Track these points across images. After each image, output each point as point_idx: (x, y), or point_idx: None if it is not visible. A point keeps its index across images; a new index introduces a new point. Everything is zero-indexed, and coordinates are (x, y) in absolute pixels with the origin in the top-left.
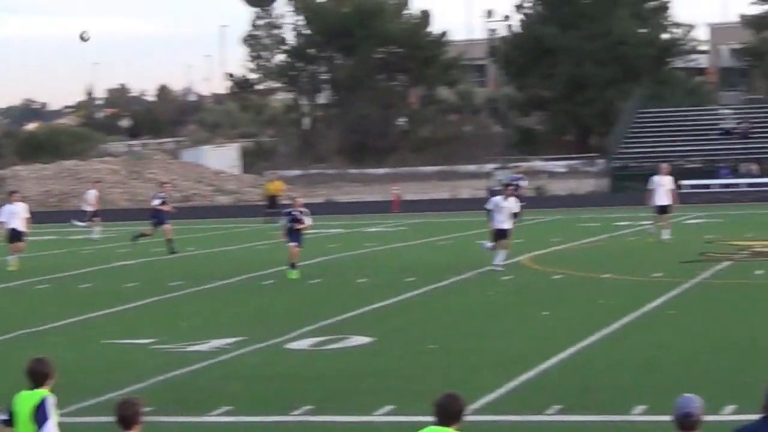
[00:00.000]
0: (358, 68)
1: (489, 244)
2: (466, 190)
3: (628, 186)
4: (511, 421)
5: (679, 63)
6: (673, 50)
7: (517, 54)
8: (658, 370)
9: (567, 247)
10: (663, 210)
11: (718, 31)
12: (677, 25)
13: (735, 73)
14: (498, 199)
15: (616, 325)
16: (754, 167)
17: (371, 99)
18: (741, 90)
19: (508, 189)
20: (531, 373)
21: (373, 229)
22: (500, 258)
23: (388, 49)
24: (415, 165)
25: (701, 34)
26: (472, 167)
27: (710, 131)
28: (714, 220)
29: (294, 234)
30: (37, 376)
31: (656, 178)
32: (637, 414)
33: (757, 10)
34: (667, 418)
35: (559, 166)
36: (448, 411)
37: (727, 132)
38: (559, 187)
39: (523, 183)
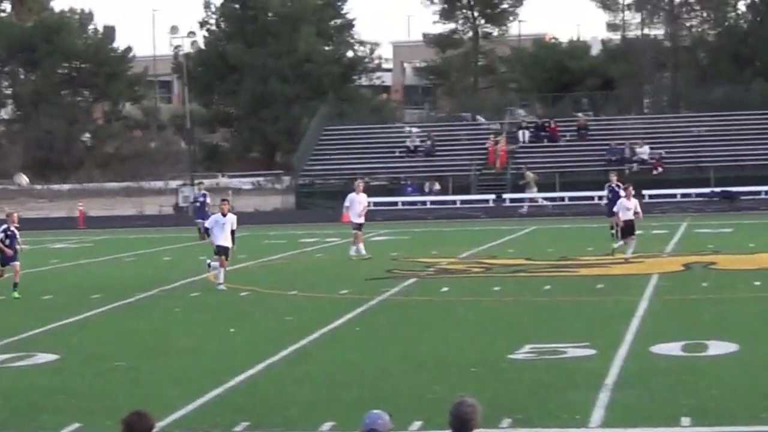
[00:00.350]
0: (41, 83)
1: (214, 261)
2: (152, 207)
3: (314, 203)
4: None
5: (364, 81)
6: (358, 68)
7: (202, 71)
8: (345, 387)
9: (254, 264)
10: (359, 227)
11: (402, 49)
12: (362, 43)
13: (419, 91)
14: (218, 216)
15: (303, 342)
16: (436, 185)
17: (55, 114)
18: (425, 108)
19: (224, 204)
20: (219, 390)
21: (59, 246)
22: (221, 277)
23: (73, 65)
24: (101, 181)
25: (385, 52)
26: (158, 184)
27: (395, 148)
28: (400, 237)
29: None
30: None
31: (352, 195)
32: (326, 430)
33: (440, 29)
34: None
35: (245, 182)
36: (136, 429)
37: (411, 150)
38: (245, 204)
39: (208, 200)
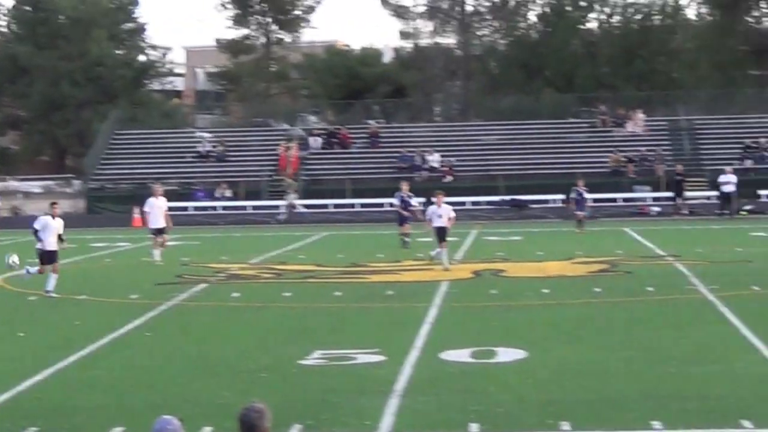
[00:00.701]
0: None
1: (34, 269)
2: None
3: (104, 207)
4: None
5: (155, 85)
6: (150, 72)
7: None
8: (135, 392)
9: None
10: (160, 232)
11: (194, 54)
12: (154, 47)
13: (211, 96)
14: (48, 219)
15: (92, 347)
16: (228, 191)
17: None
18: (217, 113)
19: (55, 207)
20: (6, 395)
21: None
22: (52, 283)
23: None
24: None
25: (178, 56)
26: None
27: (187, 153)
28: (190, 243)
29: None
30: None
31: (151, 200)
32: None
33: (233, 34)
34: None
35: (34, 186)
36: None
37: (202, 155)
38: (35, 208)
39: None
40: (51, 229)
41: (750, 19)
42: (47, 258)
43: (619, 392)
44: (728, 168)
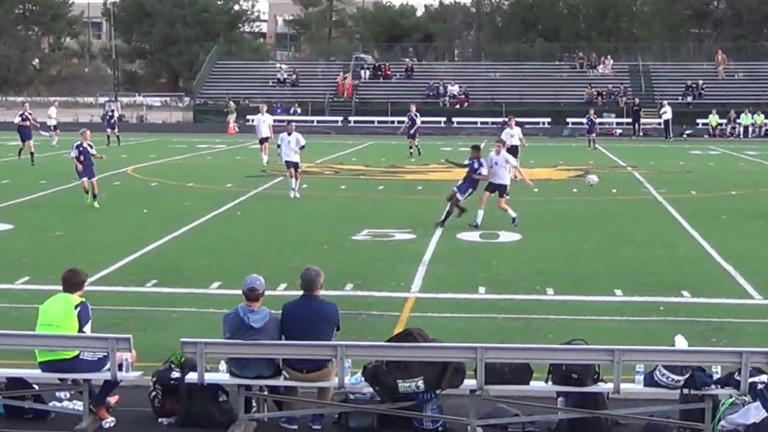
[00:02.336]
0: (2, 20)
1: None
2: (84, 116)
3: (207, 118)
4: (119, 291)
5: (246, 28)
6: (242, 18)
7: (124, 15)
8: (230, 255)
9: (161, 162)
10: (264, 140)
11: (275, 5)
12: None
13: (288, 37)
14: (283, 135)
15: (198, 222)
16: (299, 108)
17: (12, 44)
18: (291, 50)
19: (290, 125)
20: (134, 255)
21: (13, 143)
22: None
23: (26, 6)
24: (46, 95)
25: (263, 6)
26: (89, 99)
27: (269, 79)
28: (271, 146)
29: None
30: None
31: (258, 116)
32: (214, 288)
33: None
34: (237, 291)
35: (155, 101)
36: (71, 282)
37: (281, 81)
38: (155, 117)
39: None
40: (288, 143)
41: None
42: (290, 166)
43: (590, 268)
44: (665, 102)
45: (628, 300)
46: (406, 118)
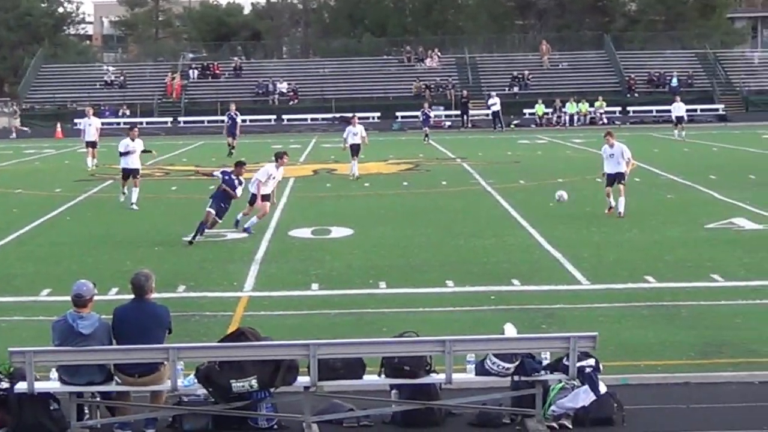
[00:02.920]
0: None
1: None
2: None
3: (34, 123)
4: None
5: (72, 30)
6: (67, 21)
7: None
8: (59, 262)
9: None
10: (92, 144)
11: (100, 6)
12: (69, 1)
13: (114, 38)
14: (127, 140)
15: (26, 228)
16: (127, 110)
17: None
18: (118, 52)
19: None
20: None
21: None
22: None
23: None
24: None
25: (88, 8)
26: None
27: (96, 82)
28: (100, 150)
29: None
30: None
31: (85, 120)
32: (44, 295)
33: None
34: (68, 298)
35: None
36: None
37: (108, 83)
38: None
39: None
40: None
41: None
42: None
43: (422, 260)
44: (494, 93)
45: (459, 290)
46: (225, 117)
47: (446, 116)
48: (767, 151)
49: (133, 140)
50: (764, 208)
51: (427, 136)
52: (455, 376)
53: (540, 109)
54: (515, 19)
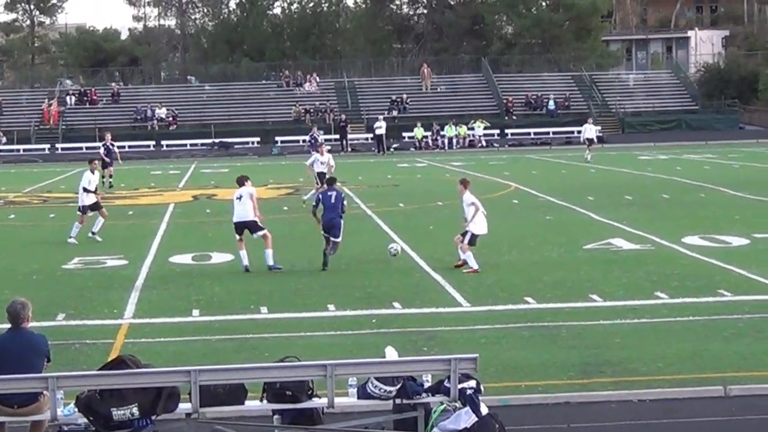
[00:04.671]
0: None
1: None
2: None
3: None
4: None
5: None
6: None
7: None
8: None
9: None
10: None
11: None
12: None
13: None
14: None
15: None
16: (4, 137)
17: None
18: None
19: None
20: None
21: None
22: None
23: None
24: None
25: None
26: None
27: None
28: None
29: None
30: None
31: None
32: None
33: (4, 18)
34: None
35: None
36: None
37: None
38: None
39: None
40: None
41: (393, 6)
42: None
43: (304, 284)
44: (380, 116)
45: (341, 314)
46: (101, 147)
47: (326, 140)
48: (643, 172)
49: (93, 173)
50: (641, 228)
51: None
52: (337, 400)
53: (419, 132)
54: (393, 42)
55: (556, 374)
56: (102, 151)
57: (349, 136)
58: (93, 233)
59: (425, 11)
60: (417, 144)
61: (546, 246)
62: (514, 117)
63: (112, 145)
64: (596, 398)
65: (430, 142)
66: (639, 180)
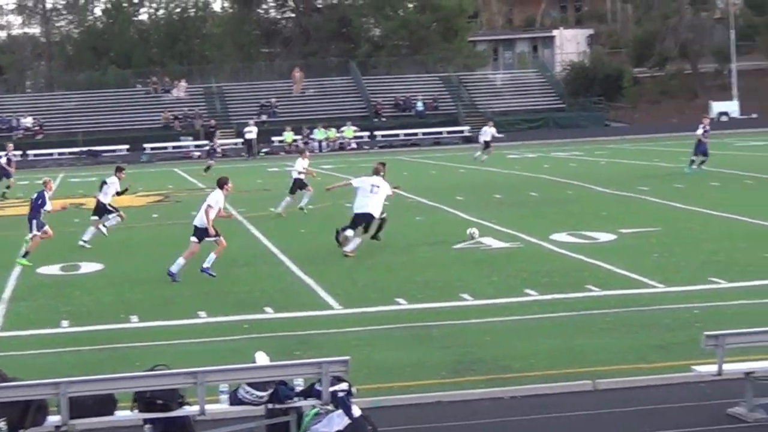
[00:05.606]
0: None
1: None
2: None
3: None
4: None
5: None
6: None
7: None
8: None
9: None
10: None
11: None
12: None
13: None
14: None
15: None
16: None
17: None
18: None
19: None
20: None
21: None
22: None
23: None
24: None
25: None
26: None
27: None
28: None
29: None
30: None
31: None
32: None
33: None
34: None
35: None
36: None
37: None
38: None
39: None
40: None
41: (260, 11)
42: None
43: (175, 292)
44: (251, 121)
45: (212, 321)
46: (3, 157)
47: (195, 146)
48: (512, 170)
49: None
50: (509, 227)
51: (209, 168)
52: (209, 407)
53: (289, 136)
54: (261, 47)
55: (428, 374)
56: (4, 161)
57: (219, 141)
58: None
59: (293, 15)
60: (287, 148)
61: (416, 246)
62: (383, 119)
63: (14, 156)
64: (469, 396)
65: (300, 145)
66: (507, 179)
